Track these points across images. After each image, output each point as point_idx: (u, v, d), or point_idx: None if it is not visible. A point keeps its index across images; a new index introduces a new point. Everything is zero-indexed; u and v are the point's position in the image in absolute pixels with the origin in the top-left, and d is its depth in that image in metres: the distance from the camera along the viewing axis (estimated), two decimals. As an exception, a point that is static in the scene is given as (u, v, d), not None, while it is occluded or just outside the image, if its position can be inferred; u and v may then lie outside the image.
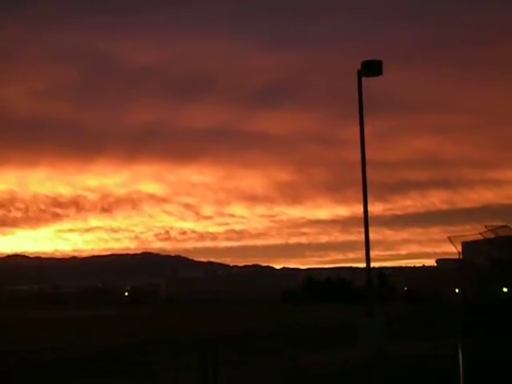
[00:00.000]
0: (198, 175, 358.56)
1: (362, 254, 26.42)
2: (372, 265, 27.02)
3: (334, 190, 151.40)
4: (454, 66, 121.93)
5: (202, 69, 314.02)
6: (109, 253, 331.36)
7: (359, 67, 24.64)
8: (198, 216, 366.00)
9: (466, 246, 68.16)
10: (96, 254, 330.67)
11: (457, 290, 63.94)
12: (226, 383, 15.44)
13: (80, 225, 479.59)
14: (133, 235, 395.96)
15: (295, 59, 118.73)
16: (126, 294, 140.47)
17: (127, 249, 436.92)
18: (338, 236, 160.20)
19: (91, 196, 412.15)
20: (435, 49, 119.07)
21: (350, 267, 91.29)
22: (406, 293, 71.52)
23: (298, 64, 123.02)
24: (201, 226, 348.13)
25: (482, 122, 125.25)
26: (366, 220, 25.38)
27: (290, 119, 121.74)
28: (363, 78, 24.92)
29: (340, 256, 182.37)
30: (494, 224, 58.79)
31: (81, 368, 21.41)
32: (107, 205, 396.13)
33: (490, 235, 59.31)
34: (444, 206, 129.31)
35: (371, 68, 24.38)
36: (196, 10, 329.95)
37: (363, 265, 27.07)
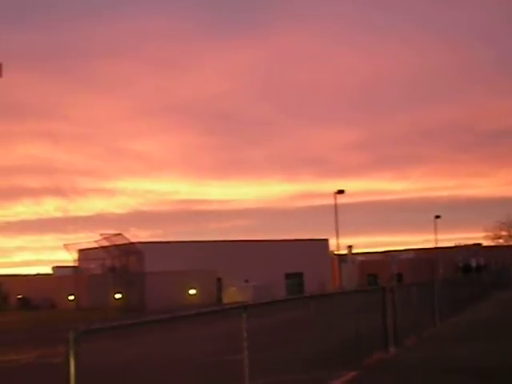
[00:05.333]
0: None
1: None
2: (-16, 273, 26.12)
3: None
4: (68, 75, 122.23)
5: None
6: None
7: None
8: None
9: (82, 253, 68.92)
10: None
11: (71, 297, 64.11)
12: None
13: None
14: None
15: None
16: None
17: None
18: None
19: None
20: (51, 56, 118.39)
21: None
22: (19, 301, 69.92)
23: None
24: None
25: (95, 132, 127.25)
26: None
27: None
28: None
29: None
30: (109, 232, 60.38)
31: None
32: None
33: (105, 243, 60.71)
34: (58, 214, 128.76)
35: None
36: None
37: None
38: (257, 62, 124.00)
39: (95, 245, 62.50)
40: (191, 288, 62.15)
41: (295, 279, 72.96)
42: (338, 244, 60.34)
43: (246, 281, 65.32)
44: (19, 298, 70.64)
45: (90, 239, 64.99)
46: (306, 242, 76.08)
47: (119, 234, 58.96)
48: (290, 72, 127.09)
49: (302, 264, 72.84)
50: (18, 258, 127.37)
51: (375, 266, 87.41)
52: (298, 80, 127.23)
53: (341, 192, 60.27)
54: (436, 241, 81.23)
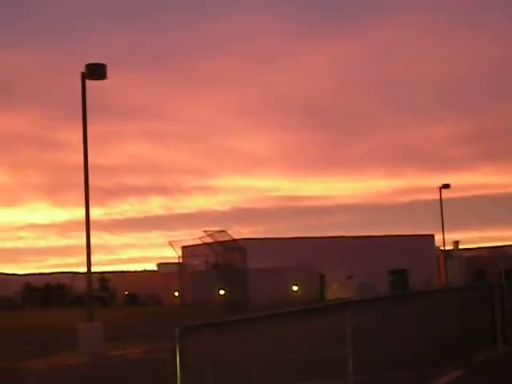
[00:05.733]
0: None
1: (82, 258, 26.18)
2: (93, 269, 26.79)
3: (51, 193, 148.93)
4: (170, 74, 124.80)
5: None
6: None
7: (83, 69, 24.39)
8: None
9: (186, 250, 70.10)
10: None
11: (176, 294, 65.30)
12: None
13: None
14: None
15: (12, 57, 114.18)
16: None
17: None
18: (57, 240, 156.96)
19: None
20: (154, 56, 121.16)
21: (71, 272, 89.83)
22: (126, 297, 71.76)
23: (14, 62, 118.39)
24: None
25: (196, 130, 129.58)
26: (88, 224, 25.14)
27: (4, 119, 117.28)
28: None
29: (59, 261, 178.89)
30: (212, 229, 61.09)
31: None
32: None
33: (209, 240, 61.49)
34: (162, 212, 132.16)
35: (95, 71, 24.21)
36: None
37: (84, 269, 26.79)
38: (356, 56, 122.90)
39: (199, 242, 63.40)
40: (294, 284, 62.24)
41: (399, 276, 71.99)
42: (444, 240, 59.18)
43: (350, 277, 64.90)
44: (126, 295, 72.44)
45: (193, 236, 66.02)
46: (410, 238, 74.92)
47: (222, 231, 59.61)
48: (390, 65, 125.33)
49: (407, 260, 71.77)
50: (124, 255, 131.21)
51: (482, 262, 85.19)
52: (399, 73, 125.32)
53: (446, 186, 59.07)
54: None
